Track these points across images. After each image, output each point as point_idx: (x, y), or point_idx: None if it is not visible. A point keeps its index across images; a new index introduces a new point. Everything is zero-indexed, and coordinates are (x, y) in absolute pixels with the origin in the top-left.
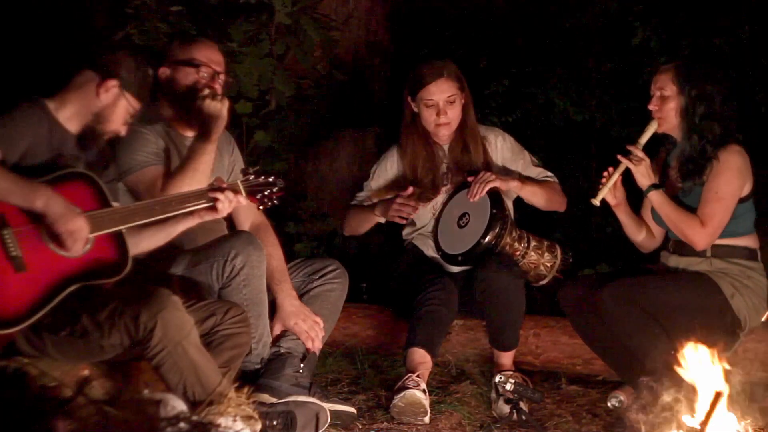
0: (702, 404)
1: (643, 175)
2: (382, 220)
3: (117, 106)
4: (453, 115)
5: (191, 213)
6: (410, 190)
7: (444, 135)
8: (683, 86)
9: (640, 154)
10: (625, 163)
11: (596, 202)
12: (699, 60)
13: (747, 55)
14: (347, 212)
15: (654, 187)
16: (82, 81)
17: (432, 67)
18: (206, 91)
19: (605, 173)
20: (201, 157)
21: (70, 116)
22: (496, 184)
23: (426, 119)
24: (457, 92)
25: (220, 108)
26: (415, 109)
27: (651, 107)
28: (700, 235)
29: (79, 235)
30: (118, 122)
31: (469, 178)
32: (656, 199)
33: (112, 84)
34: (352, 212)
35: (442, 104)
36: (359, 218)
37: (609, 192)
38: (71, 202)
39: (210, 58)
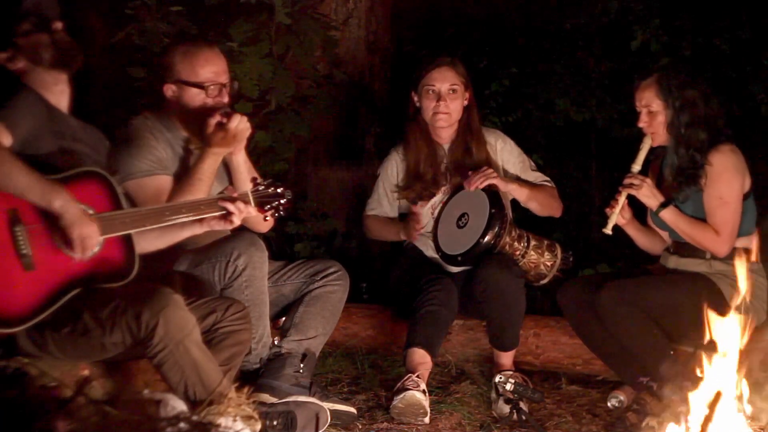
0: (704, 403)
1: (649, 196)
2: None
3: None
4: (453, 106)
5: (199, 220)
6: (415, 208)
7: (441, 126)
8: (667, 99)
9: (638, 180)
10: (626, 192)
11: (608, 231)
12: (674, 68)
13: (747, 55)
14: (365, 222)
15: (664, 205)
16: None
17: (438, 57)
18: (237, 119)
19: (614, 202)
20: (208, 166)
21: (54, 98)
22: (496, 181)
23: (425, 108)
24: (459, 85)
25: (246, 126)
26: (418, 104)
27: (641, 125)
28: (718, 244)
29: (90, 242)
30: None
31: (470, 173)
32: (669, 216)
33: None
34: (372, 223)
35: (443, 92)
36: (382, 232)
37: (618, 216)
38: (85, 202)
39: (215, 72)
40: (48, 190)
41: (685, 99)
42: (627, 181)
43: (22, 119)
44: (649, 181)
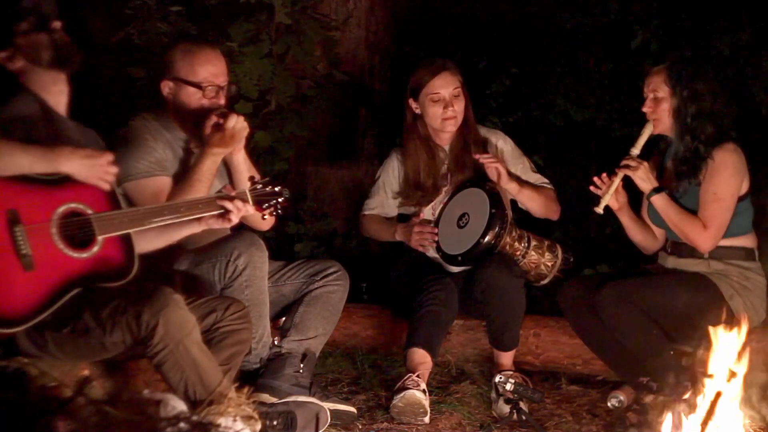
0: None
1: (643, 179)
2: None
3: (27, 55)
4: (459, 108)
5: (198, 219)
6: (422, 215)
7: (450, 130)
8: (675, 87)
9: (635, 162)
10: (622, 172)
11: (599, 210)
12: (689, 59)
13: (747, 56)
14: (362, 221)
15: (656, 191)
16: None
17: (434, 63)
18: (234, 119)
19: (596, 179)
20: (207, 167)
21: (52, 99)
22: (502, 169)
23: (432, 115)
24: (460, 86)
25: (244, 126)
26: (417, 111)
27: (645, 110)
28: (703, 238)
29: (107, 178)
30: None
31: (476, 155)
32: (659, 203)
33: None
34: (369, 223)
35: (448, 97)
36: (379, 232)
37: (611, 197)
38: (83, 202)
39: (214, 73)
40: (51, 157)
41: (694, 90)
42: (624, 162)
43: (15, 122)
44: (646, 164)
